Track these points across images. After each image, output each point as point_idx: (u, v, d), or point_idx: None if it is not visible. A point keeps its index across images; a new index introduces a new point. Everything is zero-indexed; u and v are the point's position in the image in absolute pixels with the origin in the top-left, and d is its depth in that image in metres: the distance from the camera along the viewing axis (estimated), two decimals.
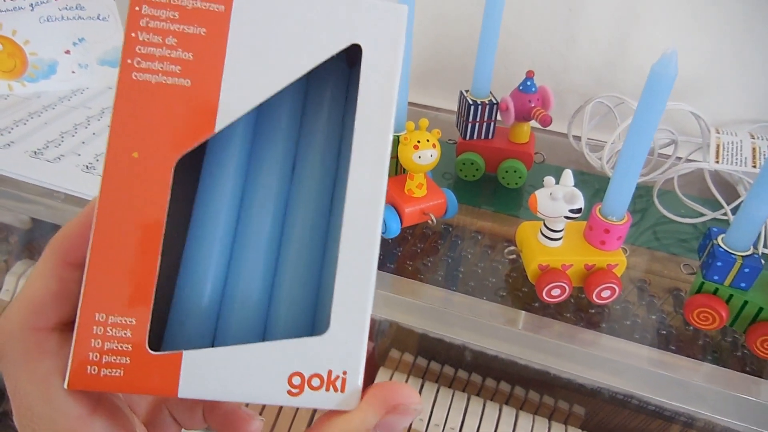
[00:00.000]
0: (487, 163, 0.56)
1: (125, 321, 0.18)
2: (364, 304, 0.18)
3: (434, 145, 0.44)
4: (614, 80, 0.65)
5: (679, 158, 0.57)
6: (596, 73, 0.65)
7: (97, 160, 0.55)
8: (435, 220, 0.47)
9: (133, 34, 0.18)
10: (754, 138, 0.51)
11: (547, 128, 0.52)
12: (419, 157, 0.44)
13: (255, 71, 0.18)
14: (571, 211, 0.40)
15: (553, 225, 0.42)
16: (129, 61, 0.18)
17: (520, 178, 0.55)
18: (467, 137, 0.56)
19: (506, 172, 0.55)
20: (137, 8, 0.18)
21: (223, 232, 0.21)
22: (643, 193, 0.57)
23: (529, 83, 0.52)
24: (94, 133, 0.59)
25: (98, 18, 0.65)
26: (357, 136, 0.18)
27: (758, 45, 0.58)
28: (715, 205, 0.53)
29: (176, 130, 0.18)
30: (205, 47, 0.18)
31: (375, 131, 0.18)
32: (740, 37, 0.58)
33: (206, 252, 0.21)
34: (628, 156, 0.39)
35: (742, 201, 0.52)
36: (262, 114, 0.22)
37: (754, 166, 0.48)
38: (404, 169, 0.47)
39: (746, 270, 0.39)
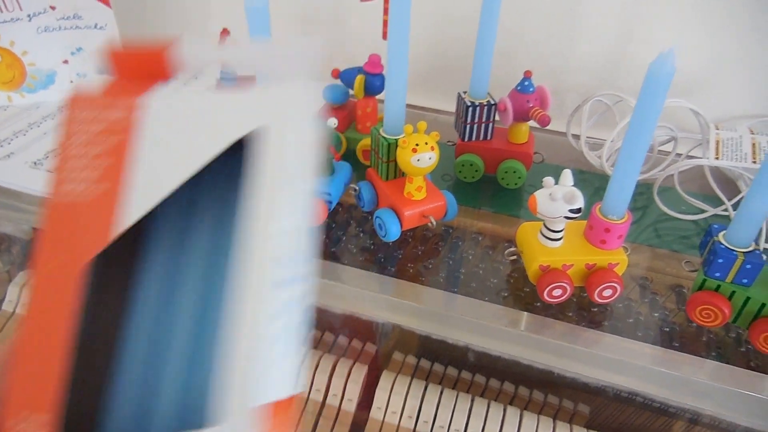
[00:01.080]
0: (487, 164, 0.56)
1: None
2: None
3: (432, 148, 0.44)
4: (613, 79, 0.65)
5: (679, 155, 0.57)
6: (595, 72, 0.65)
7: None
8: (435, 223, 0.47)
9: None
10: (753, 133, 0.51)
11: (546, 127, 0.52)
12: (418, 160, 0.44)
13: (157, 174, 0.19)
14: (571, 210, 0.40)
15: (553, 225, 0.42)
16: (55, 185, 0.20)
17: (519, 178, 0.55)
18: (466, 139, 0.56)
19: (506, 172, 0.55)
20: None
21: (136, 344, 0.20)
22: (643, 190, 0.57)
23: (527, 83, 0.52)
24: None
25: (95, 27, 0.65)
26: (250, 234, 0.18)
27: (757, 40, 0.58)
28: (716, 201, 0.53)
29: (78, 242, 0.19)
30: (110, 164, 0.20)
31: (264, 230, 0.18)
32: (738, 33, 0.58)
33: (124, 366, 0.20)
34: (627, 154, 0.39)
35: (742, 197, 0.52)
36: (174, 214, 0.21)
37: (755, 162, 0.48)
38: (403, 173, 0.47)
39: (748, 266, 0.39)
